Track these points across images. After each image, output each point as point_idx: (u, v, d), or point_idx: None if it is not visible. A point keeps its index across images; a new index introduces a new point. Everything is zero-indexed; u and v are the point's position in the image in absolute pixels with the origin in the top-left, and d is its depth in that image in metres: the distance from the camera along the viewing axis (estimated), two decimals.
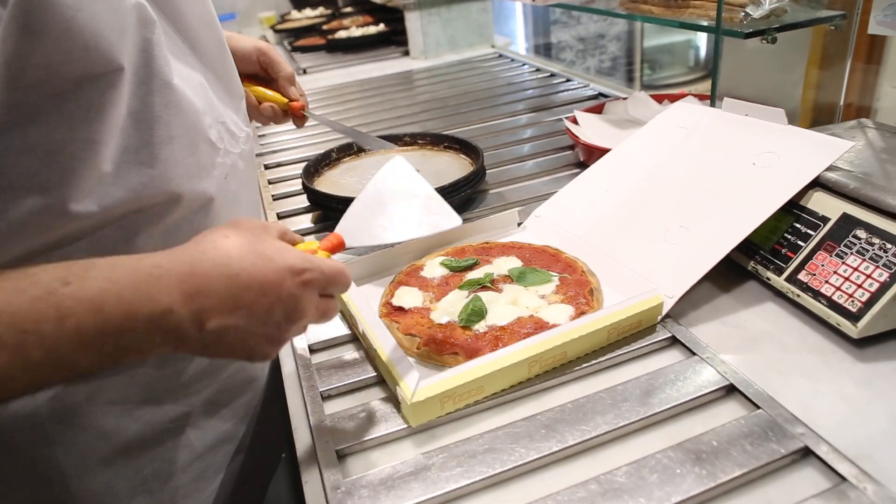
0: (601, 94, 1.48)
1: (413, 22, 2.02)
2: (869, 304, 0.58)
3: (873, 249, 0.60)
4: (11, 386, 0.37)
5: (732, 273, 0.72)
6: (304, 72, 2.08)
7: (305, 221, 0.99)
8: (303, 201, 1.04)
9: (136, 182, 0.49)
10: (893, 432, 0.50)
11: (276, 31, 2.88)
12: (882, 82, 1.05)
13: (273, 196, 1.09)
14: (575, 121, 1.15)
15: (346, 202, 0.92)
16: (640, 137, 0.88)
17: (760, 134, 0.75)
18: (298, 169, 1.20)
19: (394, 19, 2.41)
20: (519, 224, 0.89)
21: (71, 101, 0.44)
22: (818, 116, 1.03)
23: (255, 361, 0.50)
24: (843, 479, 0.46)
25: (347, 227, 0.59)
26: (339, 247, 0.57)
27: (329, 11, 3.12)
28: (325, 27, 2.59)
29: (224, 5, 3.62)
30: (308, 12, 3.15)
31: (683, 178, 0.78)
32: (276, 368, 0.76)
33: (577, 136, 1.06)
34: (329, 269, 0.48)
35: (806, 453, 0.49)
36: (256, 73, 0.81)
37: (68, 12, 0.41)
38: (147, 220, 0.54)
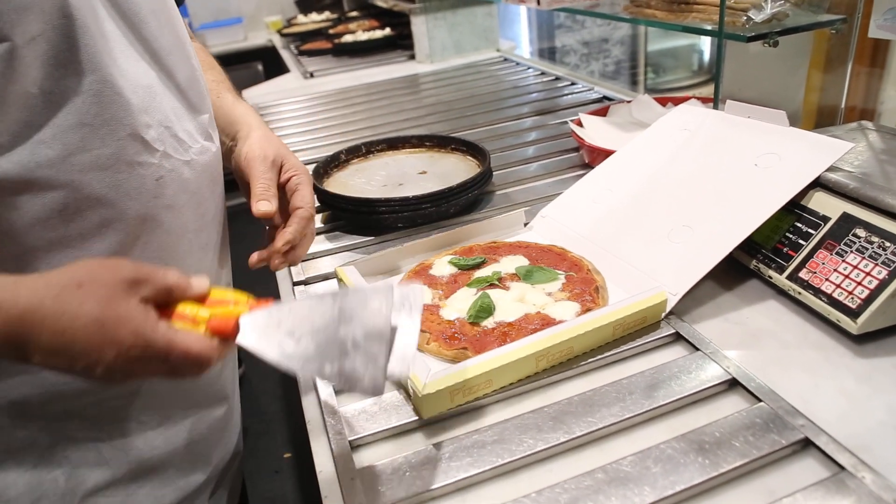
0: (606, 98, 1.50)
1: (419, 26, 2.04)
2: (868, 300, 0.59)
3: (872, 248, 0.61)
4: None
5: (735, 271, 0.73)
6: (311, 75, 2.10)
7: (315, 222, 1.01)
8: None
9: (29, 159, 0.49)
10: (892, 424, 0.52)
11: (283, 35, 2.90)
12: (886, 86, 1.06)
13: None
14: (580, 123, 1.17)
15: (354, 203, 0.94)
16: (644, 139, 0.90)
17: (762, 136, 0.76)
18: None
19: (399, 23, 2.44)
20: (525, 224, 0.90)
21: None
22: (820, 119, 1.04)
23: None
24: (842, 468, 0.47)
25: (258, 320, 0.47)
26: (227, 333, 0.47)
27: (335, 16, 3.14)
28: (331, 31, 2.62)
29: (230, 10, 3.65)
30: (314, 16, 3.18)
31: (687, 178, 0.79)
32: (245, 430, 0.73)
33: (582, 139, 1.08)
34: (173, 354, 0.44)
35: (806, 444, 0.50)
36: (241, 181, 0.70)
37: None
38: (42, 203, 0.51)
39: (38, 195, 0.51)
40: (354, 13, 3.06)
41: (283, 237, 0.65)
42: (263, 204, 0.64)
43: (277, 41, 3.01)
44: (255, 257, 0.67)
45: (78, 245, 0.54)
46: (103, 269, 0.45)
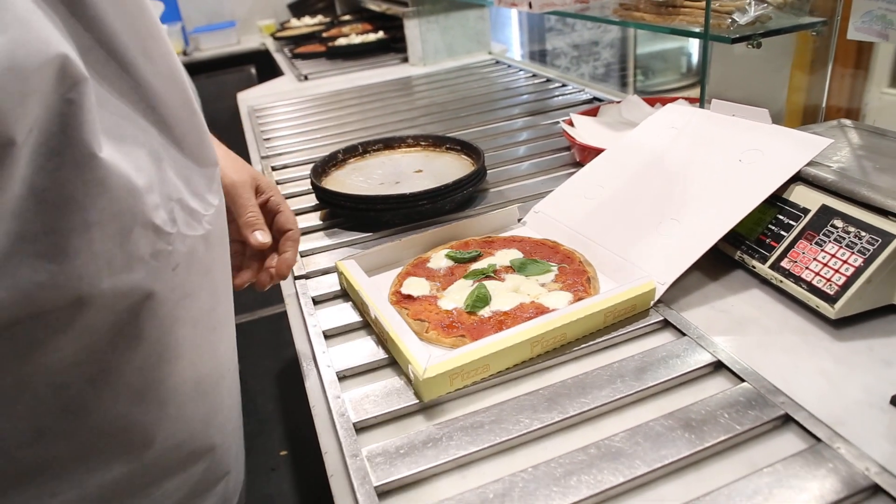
0: (596, 99, 1.53)
1: (412, 30, 2.07)
2: (845, 287, 0.62)
3: (849, 237, 0.64)
4: None
5: (720, 262, 0.76)
6: (306, 78, 2.12)
7: (314, 219, 1.04)
8: (311, 200, 1.09)
9: (27, 280, 0.38)
10: (866, 402, 0.55)
11: (276, 39, 2.93)
12: (870, 87, 1.10)
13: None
14: (571, 123, 1.20)
15: (353, 200, 0.97)
16: (633, 137, 0.93)
17: (746, 133, 0.80)
18: (304, 170, 1.25)
19: (392, 27, 2.47)
20: (519, 220, 0.93)
21: None
22: (802, 117, 1.08)
23: None
24: (819, 440, 0.51)
25: None
26: None
27: (328, 19, 3.17)
28: (324, 35, 2.64)
29: (223, 13, 3.67)
30: (307, 20, 3.20)
31: (674, 174, 0.82)
32: None
33: (573, 138, 1.11)
34: None
35: (786, 420, 0.53)
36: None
37: None
38: (50, 328, 0.41)
39: (40, 320, 0.40)
40: (347, 17, 3.09)
41: (286, 263, 0.71)
42: (262, 234, 0.68)
43: (271, 44, 3.03)
44: (245, 278, 0.71)
45: (92, 361, 0.44)
46: None
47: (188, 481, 0.56)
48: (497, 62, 2.05)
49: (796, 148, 0.74)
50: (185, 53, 3.37)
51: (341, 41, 2.45)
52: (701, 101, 1.03)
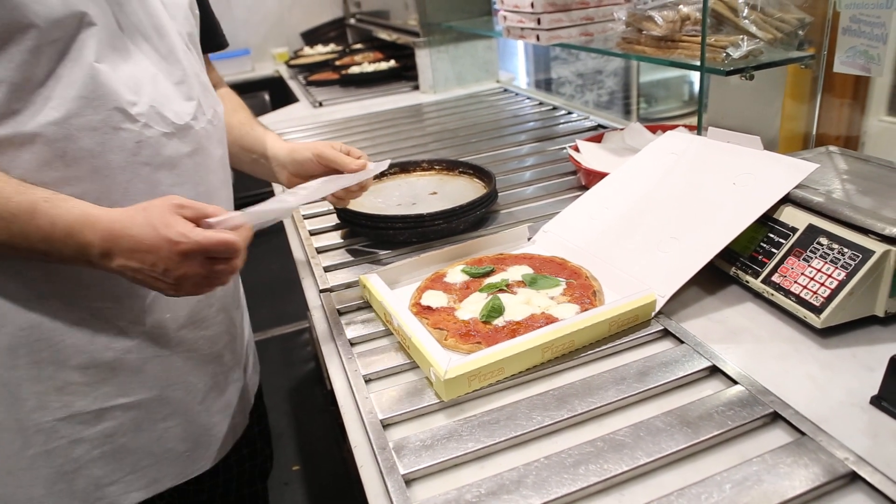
0: (600, 126, 1.60)
1: (423, 59, 2.16)
2: (830, 298, 0.68)
3: (833, 253, 0.70)
4: None
5: (716, 277, 0.82)
6: (321, 104, 2.21)
7: (335, 237, 1.10)
8: (331, 220, 1.15)
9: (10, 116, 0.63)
10: (848, 402, 0.60)
11: (290, 66, 3.02)
12: (869, 116, 1.17)
13: (303, 215, 1.20)
14: (577, 149, 1.27)
15: (373, 219, 1.03)
16: (636, 162, 1.00)
17: (740, 158, 0.86)
18: None
19: (402, 56, 2.56)
20: (528, 239, 0.99)
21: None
22: (795, 144, 1.14)
23: (160, 292, 0.68)
24: (803, 434, 0.56)
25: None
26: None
27: (340, 48, 3.28)
28: (337, 63, 2.74)
29: (238, 41, 3.78)
30: (320, 48, 3.31)
31: (674, 196, 0.89)
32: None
33: (579, 162, 1.18)
34: (207, 240, 0.63)
35: (775, 417, 0.59)
36: (325, 172, 0.92)
37: None
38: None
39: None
40: (358, 46, 3.19)
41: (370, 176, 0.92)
42: (362, 160, 0.91)
43: (284, 72, 3.13)
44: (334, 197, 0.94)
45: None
46: (160, 199, 0.66)
47: None
48: (505, 90, 2.13)
49: (786, 172, 0.80)
50: None
51: (354, 69, 2.54)
52: (698, 129, 1.09)
